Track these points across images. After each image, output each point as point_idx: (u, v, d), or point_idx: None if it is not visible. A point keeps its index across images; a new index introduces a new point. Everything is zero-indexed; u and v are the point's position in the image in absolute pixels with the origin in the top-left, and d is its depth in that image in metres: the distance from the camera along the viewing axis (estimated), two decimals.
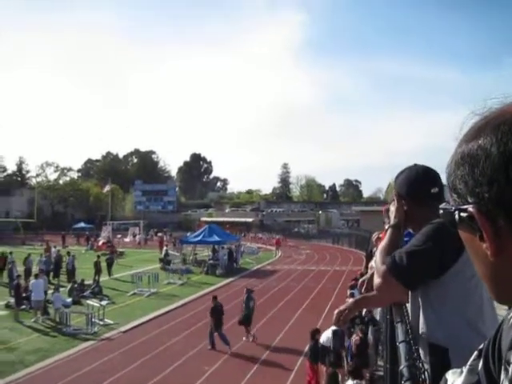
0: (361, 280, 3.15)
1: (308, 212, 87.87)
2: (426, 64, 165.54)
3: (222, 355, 15.47)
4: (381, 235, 4.23)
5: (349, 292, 16.00)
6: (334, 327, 10.92)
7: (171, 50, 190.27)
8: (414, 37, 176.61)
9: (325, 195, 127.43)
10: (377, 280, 2.39)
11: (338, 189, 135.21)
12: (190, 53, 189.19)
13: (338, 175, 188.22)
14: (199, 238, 38.59)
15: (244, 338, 17.55)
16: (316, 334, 12.60)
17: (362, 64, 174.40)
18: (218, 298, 17.83)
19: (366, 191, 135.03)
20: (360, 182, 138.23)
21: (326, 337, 12.59)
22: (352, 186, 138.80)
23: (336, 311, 2.83)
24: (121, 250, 48.82)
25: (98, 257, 31.41)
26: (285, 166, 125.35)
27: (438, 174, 2.48)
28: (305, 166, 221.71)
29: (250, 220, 79.65)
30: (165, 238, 55.14)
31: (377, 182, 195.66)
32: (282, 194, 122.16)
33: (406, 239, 2.65)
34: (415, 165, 2.58)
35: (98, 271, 29.05)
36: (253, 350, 16.12)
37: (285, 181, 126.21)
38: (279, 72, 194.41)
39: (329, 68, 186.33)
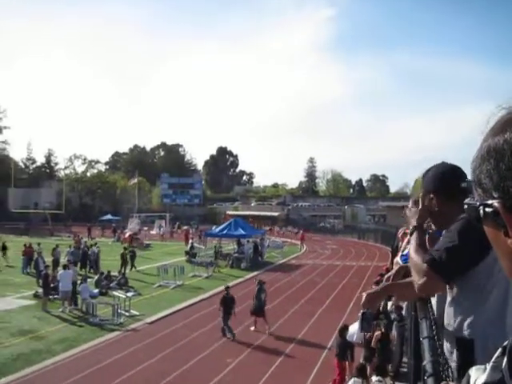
0: (386, 276, 3.10)
1: (334, 207, 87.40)
2: (451, 59, 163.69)
3: (245, 348, 15.51)
4: (406, 231, 4.18)
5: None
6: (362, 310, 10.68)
7: (197, 46, 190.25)
8: (439, 32, 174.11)
9: (351, 190, 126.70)
10: (418, 279, 2.38)
11: (364, 184, 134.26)
12: (217, 48, 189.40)
13: (365, 170, 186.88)
14: (225, 232, 38.71)
15: (252, 328, 17.98)
16: (344, 331, 12.53)
17: (386, 59, 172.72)
18: (229, 289, 18.79)
19: (393, 186, 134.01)
20: (387, 177, 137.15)
21: (349, 333, 12.57)
22: (379, 181, 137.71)
23: (365, 293, 2.82)
24: (147, 242, 49.26)
25: (125, 249, 31.75)
26: (311, 161, 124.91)
27: (464, 171, 2.47)
28: (331, 161, 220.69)
29: (276, 214, 79.56)
30: (190, 231, 55.44)
31: (404, 177, 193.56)
32: (308, 188, 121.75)
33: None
34: (442, 162, 2.60)
35: (124, 263, 29.37)
36: (276, 344, 16.13)
37: (311, 175, 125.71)
38: (305, 67, 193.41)
39: (353, 63, 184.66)
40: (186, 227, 62.90)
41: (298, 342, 16.52)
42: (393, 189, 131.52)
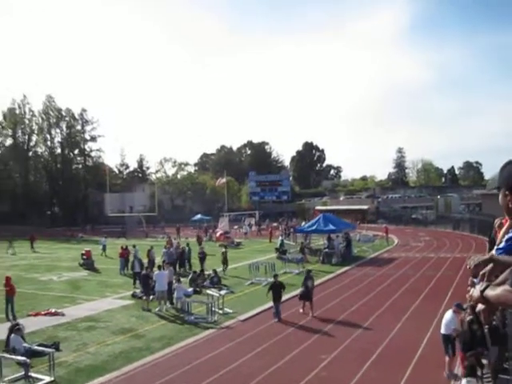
0: (481, 272, 2.81)
1: (425, 197, 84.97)
2: None
3: (339, 344, 15.39)
4: (503, 221, 4.00)
5: (470, 280, 15.29)
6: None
7: (277, 40, 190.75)
8: None
9: (443, 179, 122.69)
10: None
11: (457, 172, 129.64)
12: (296, 40, 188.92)
13: (457, 158, 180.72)
14: (314, 227, 38.56)
15: (301, 310, 19.95)
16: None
17: (472, 41, 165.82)
18: (278, 277, 20.96)
19: (488, 173, 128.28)
20: (481, 164, 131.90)
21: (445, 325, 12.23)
22: (472, 169, 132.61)
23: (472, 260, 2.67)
24: (237, 240, 49.91)
25: (225, 247, 32.39)
26: (400, 151, 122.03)
27: None
28: (421, 150, 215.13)
29: (365, 207, 78.37)
30: (280, 228, 55.71)
31: (499, 163, 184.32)
32: (398, 179, 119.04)
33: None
34: None
35: (225, 261, 30.39)
36: (371, 340, 15.89)
37: (400, 166, 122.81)
38: (388, 55, 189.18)
39: (437, 47, 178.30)
40: (274, 224, 63.36)
41: (393, 337, 16.22)
42: (488, 176, 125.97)
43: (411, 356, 14.06)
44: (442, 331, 12.62)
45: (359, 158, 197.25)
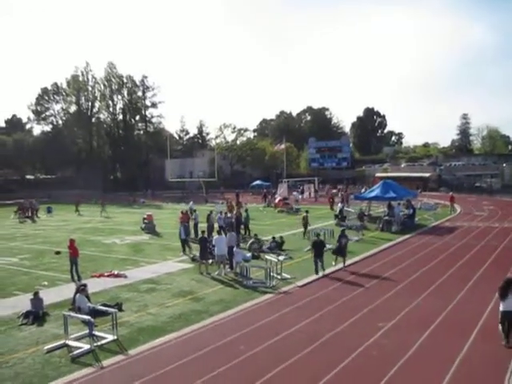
0: None
1: (490, 165, 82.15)
2: None
3: (398, 312, 15.18)
4: None
5: None
6: None
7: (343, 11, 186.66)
8: None
9: (509, 147, 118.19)
10: None
11: None
12: (364, 11, 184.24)
13: None
14: (374, 194, 38.08)
15: (333, 263, 22.40)
16: None
17: None
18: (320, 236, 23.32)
19: None
20: None
21: None
22: None
23: None
24: (296, 207, 49.83)
25: (307, 212, 32.40)
26: (464, 117, 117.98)
27: None
28: (486, 116, 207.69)
29: (427, 175, 76.68)
30: (339, 195, 55.27)
31: None
32: (462, 146, 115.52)
33: None
34: None
35: (306, 225, 30.95)
36: (431, 308, 15.60)
37: (464, 132, 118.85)
38: (452, 18, 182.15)
39: (504, 8, 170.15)
40: (334, 191, 62.87)
41: (454, 306, 15.87)
42: None
43: (472, 327, 13.74)
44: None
45: (422, 124, 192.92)
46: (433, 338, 12.98)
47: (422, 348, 12.27)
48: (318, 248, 21.06)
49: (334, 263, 22.39)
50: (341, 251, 22.49)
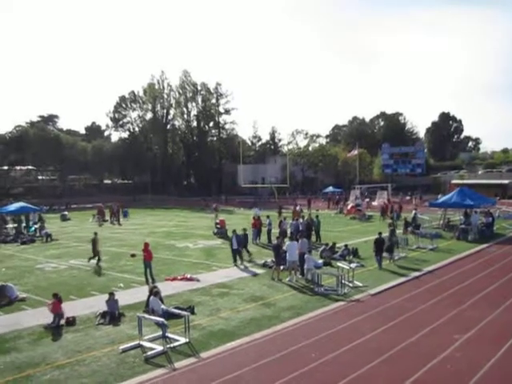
0: None
1: None
2: None
3: (474, 325, 14.66)
4: None
5: None
6: None
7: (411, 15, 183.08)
8: None
9: None
10: None
11: None
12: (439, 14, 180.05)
13: None
14: (450, 202, 37.02)
15: (384, 254, 24.08)
16: None
17: None
18: (381, 234, 24.73)
19: None
20: None
21: None
22: None
23: None
24: (369, 213, 49.15)
25: (392, 218, 31.98)
26: None
27: None
28: None
29: (506, 182, 73.71)
30: (413, 202, 54.08)
31: None
32: None
33: None
34: None
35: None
36: (508, 322, 14.98)
37: None
38: None
39: None
40: (406, 198, 61.50)
41: None
42: None
43: None
44: None
45: (501, 129, 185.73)
46: (508, 355, 12.43)
47: (499, 363, 11.79)
48: (379, 245, 23.66)
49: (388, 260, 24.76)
50: (390, 248, 24.97)
